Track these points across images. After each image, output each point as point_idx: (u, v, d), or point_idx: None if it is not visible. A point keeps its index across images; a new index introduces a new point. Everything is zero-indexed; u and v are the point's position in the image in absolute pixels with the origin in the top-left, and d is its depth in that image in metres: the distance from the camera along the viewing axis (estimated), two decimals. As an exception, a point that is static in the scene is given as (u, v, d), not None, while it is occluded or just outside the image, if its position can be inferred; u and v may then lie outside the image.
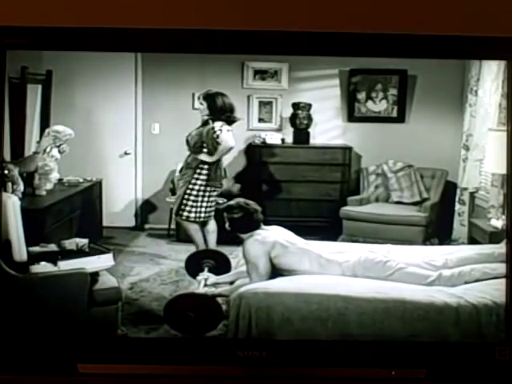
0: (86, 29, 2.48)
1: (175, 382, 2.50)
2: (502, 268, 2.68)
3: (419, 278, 3.06)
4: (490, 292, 2.79)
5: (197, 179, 3.66)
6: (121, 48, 2.58)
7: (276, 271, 3.16)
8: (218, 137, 3.59)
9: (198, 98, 3.60)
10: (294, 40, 2.53)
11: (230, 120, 3.59)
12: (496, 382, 2.54)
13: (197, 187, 3.66)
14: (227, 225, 3.30)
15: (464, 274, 3.06)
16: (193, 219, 3.67)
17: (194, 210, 3.67)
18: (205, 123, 3.61)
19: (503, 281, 2.64)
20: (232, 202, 3.34)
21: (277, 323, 2.80)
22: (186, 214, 3.68)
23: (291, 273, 3.14)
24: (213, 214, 3.68)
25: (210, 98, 3.55)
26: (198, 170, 3.65)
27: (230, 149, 3.64)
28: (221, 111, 3.57)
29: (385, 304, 2.81)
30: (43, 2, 2.55)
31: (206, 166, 3.64)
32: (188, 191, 3.67)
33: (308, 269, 3.14)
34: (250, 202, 3.29)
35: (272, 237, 3.20)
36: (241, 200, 3.31)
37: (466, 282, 3.03)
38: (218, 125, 3.59)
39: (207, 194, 3.67)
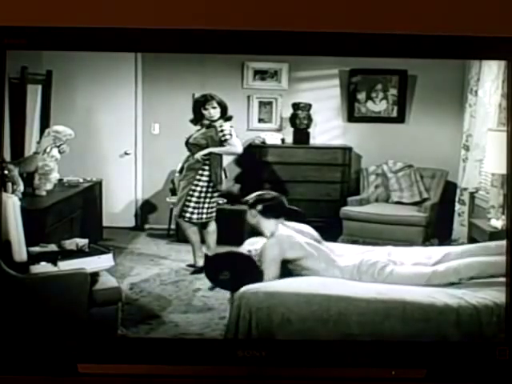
0: (86, 29, 2.48)
1: (175, 382, 2.50)
2: (499, 264, 2.68)
3: (416, 278, 3.06)
4: (490, 293, 2.79)
5: (199, 180, 3.66)
6: (121, 48, 2.58)
7: (289, 271, 3.18)
8: (225, 140, 3.61)
9: (205, 103, 3.58)
10: (294, 40, 2.53)
11: (230, 118, 3.60)
12: (496, 382, 2.54)
13: (199, 188, 3.67)
14: (260, 207, 3.30)
15: (459, 270, 3.06)
16: (195, 220, 3.68)
17: (196, 211, 3.68)
18: (209, 126, 3.61)
19: (503, 281, 2.64)
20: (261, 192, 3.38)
21: (277, 324, 2.80)
22: (188, 215, 3.68)
23: (303, 271, 3.15)
24: (214, 215, 3.69)
25: (220, 100, 3.56)
26: (201, 172, 3.66)
27: (236, 154, 3.67)
28: (227, 111, 3.58)
29: (385, 305, 2.81)
30: (43, 2, 2.56)
31: (207, 167, 3.65)
32: (191, 192, 3.67)
33: (318, 269, 3.15)
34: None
35: (292, 237, 3.22)
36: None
37: (461, 279, 3.03)
38: (227, 127, 3.60)
39: (209, 195, 3.68)
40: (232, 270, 3.12)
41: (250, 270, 3.14)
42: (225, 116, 3.60)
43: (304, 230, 3.30)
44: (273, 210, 3.28)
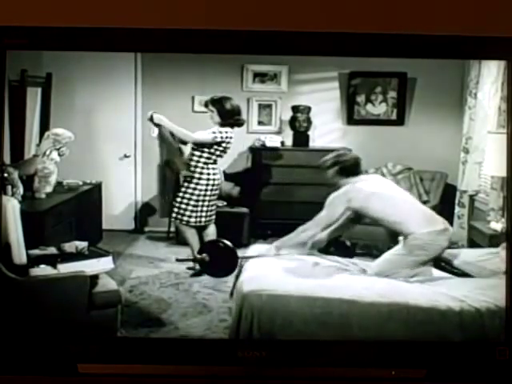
0: (86, 29, 2.48)
1: (175, 382, 2.49)
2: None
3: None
4: (492, 295, 2.78)
5: (197, 184, 3.66)
6: (121, 48, 2.58)
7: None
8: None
9: (206, 105, 3.60)
10: (294, 40, 2.53)
11: (239, 123, 3.60)
12: (496, 382, 2.54)
13: (197, 192, 3.66)
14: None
15: None
16: (193, 224, 3.67)
17: (194, 214, 3.67)
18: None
19: (504, 282, 2.63)
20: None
21: (279, 325, 2.79)
22: (186, 218, 3.68)
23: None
24: (213, 217, 3.69)
25: (218, 103, 3.56)
26: (198, 175, 3.65)
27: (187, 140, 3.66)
28: (230, 114, 3.58)
29: (388, 308, 2.80)
30: (43, 2, 2.56)
31: (205, 171, 3.65)
32: (188, 196, 3.67)
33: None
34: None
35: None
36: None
37: None
38: (215, 129, 3.60)
39: (207, 198, 3.67)
40: (212, 255, 3.39)
41: (229, 258, 3.34)
42: (225, 118, 3.60)
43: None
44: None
